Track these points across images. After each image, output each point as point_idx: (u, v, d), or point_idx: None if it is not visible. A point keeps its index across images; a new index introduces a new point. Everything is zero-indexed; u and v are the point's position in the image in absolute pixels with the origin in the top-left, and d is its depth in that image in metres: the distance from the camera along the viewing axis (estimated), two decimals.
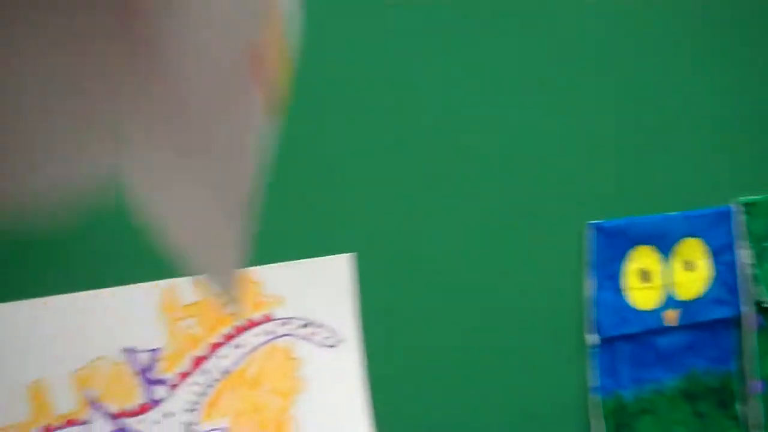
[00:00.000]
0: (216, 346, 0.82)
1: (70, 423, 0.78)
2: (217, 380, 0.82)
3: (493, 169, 0.90)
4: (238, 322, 0.83)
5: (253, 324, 0.84)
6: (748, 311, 1.02)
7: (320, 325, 0.85)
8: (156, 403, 0.80)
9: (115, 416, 0.78)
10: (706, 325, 1.01)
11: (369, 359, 0.86)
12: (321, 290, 0.85)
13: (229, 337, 0.82)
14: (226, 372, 0.82)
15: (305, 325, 0.85)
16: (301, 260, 0.85)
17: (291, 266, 0.85)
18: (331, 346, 0.85)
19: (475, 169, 0.89)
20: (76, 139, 0.23)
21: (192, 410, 0.80)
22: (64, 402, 0.78)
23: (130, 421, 0.79)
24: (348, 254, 0.86)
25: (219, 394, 0.82)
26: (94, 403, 0.78)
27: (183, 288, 0.82)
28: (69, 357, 0.79)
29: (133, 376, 0.80)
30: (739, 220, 1.02)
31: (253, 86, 0.26)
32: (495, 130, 0.90)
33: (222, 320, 0.83)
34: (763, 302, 1.01)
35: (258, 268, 0.84)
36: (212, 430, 0.81)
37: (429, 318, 0.89)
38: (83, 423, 0.78)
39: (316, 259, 0.86)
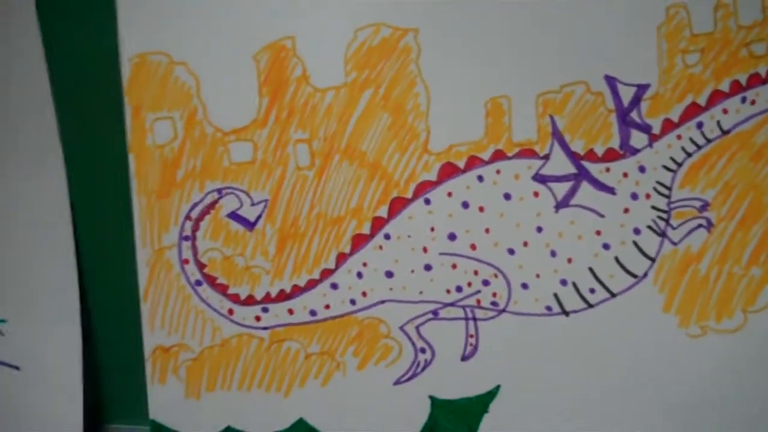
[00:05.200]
0: (720, 95, 0.61)
1: (524, 153, 0.63)
2: (709, 140, 0.62)
3: None
4: (758, 70, 0.60)
5: None
6: None
7: None
8: (631, 151, 0.62)
9: (577, 157, 0.61)
10: None
11: None
12: None
13: (740, 88, 0.61)
14: (726, 132, 0.62)
15: None
16: None
17: None
18: None
19: None
20: None
21: (669, 170, 0.61)
22: (523, 128, 0.63)
23: (593, 167, 0.62)
24: None
25: (708, 158, 0.64)
26: (557, 137, 0.61)
27: (697, 10, 0.59)
28: (539, 75, 0.63)
29: (609, 114, 0.61)
30: None
31: None
32: None
33: (737, 63, 0.61)
34: None
35: None
36: (689, 199, 0.62)
37: None
38: (539, 157, 0.62)
39: None
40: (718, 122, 0.63)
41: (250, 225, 0.66)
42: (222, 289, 0.67)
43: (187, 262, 0.67)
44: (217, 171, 0.65)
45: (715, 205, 0.64)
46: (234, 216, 0.66)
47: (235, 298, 0.67)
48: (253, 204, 0.66)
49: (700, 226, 0.64)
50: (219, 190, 0.65)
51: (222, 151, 0.65)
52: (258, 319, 0.67)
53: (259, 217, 0.66)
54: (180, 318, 0.68)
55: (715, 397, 0.65)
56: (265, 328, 0.68)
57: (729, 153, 0.63)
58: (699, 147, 0.63)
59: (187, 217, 0.66)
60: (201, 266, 0.67)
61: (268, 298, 0.67)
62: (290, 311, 0.67)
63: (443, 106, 0.63)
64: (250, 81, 0.64)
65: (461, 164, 0.64)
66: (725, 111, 0.63)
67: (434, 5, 0.61)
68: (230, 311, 0.67)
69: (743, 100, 0.62)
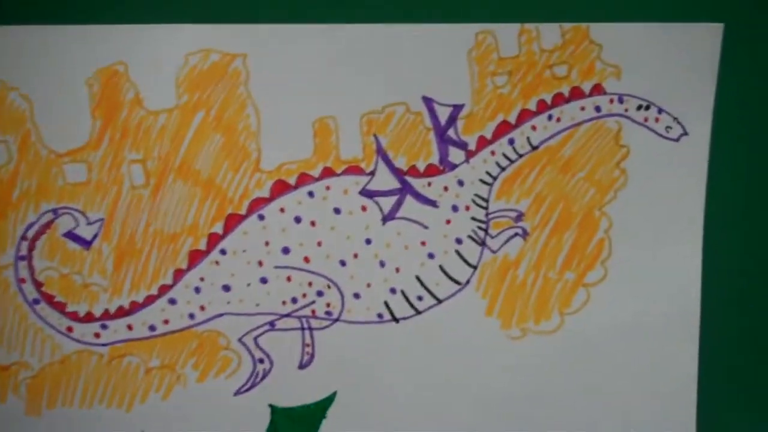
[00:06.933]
0: (528, 114, 0.66)
1: (351, 170, 0.66)
2: (521, 155, 0.66)
3: None
4: (562, 89, 0.65)
5: (578, 95, 0.66)
6: None
7: (662, 111, 0.66)
8: (450, 167, 0.66)
9: (400, 173, 0.66)
10: None
11: (716, 164, 0.67)
12: (670, 67, 0.65)
13: (546, 106, 0.66)
14: (535, 147, 0.67)
15: (643, 107, 0.66)
16: (655, 23, 0.65)
17: (640, 30, 0.65)
18: (671, 139, 0.66)
19: None
20: None
21: (485, 183, 0.66)
22: (349, 146, 0.66)
23: (416, 182, 0.66)
24: (717, 24, 0.64)
25: (521, 172, 0.69)
26: (381, 154, 0.66)
27: (504, 36, 0.65)
28: (362, 96, 0.66)
29: (428, 132, 0.66)
30: None
31: None
32: None
33: (542, 83, 0.66)
34: None
35: (602, 24, 0.65)
36: (505, 210, 0.67)
37: None
38: (365, 173, 0.66)
39: (674, 24, 0.65)
40: (528, 138, 0.68)
41: (86, 243, 0.67)
42: (60, 307, 0.68)
43: (23, 281, 0.67)
44: (53, 192, 0.67)
45: (529, 215, 0.69)
46: (70, 235, 0.67)
47: (73, 316, 0.68)
48: (89, 223, 0.67)
49: (516, 234, 0.69)
50: (54, 210, 0.67)
51: (56, 172, 0.66)
52: (97, 335, 0.69)
53: (96, 235, 0.67)
54: (18, 336, 0.69)
55: (535, 393, 0.70)
56: (104, 345, 0.69)
57: (539, 166, 0.69)
58: (511, 161, 0.68)
59: (23, 238, 0.67)
60: (38, 285, 0.68)
61: (106, 315, 0.68)
62: (129, 327, 0.68)
63: (273, 126, 0.66)
64: (83, 104, 0.65)
65: (292, 181, 0.67)
66: (534, 128, 0.68)
67: (262, 32, 0.64)
68: (69, 329, 0.68)
69: (549, 117, 0.68)
